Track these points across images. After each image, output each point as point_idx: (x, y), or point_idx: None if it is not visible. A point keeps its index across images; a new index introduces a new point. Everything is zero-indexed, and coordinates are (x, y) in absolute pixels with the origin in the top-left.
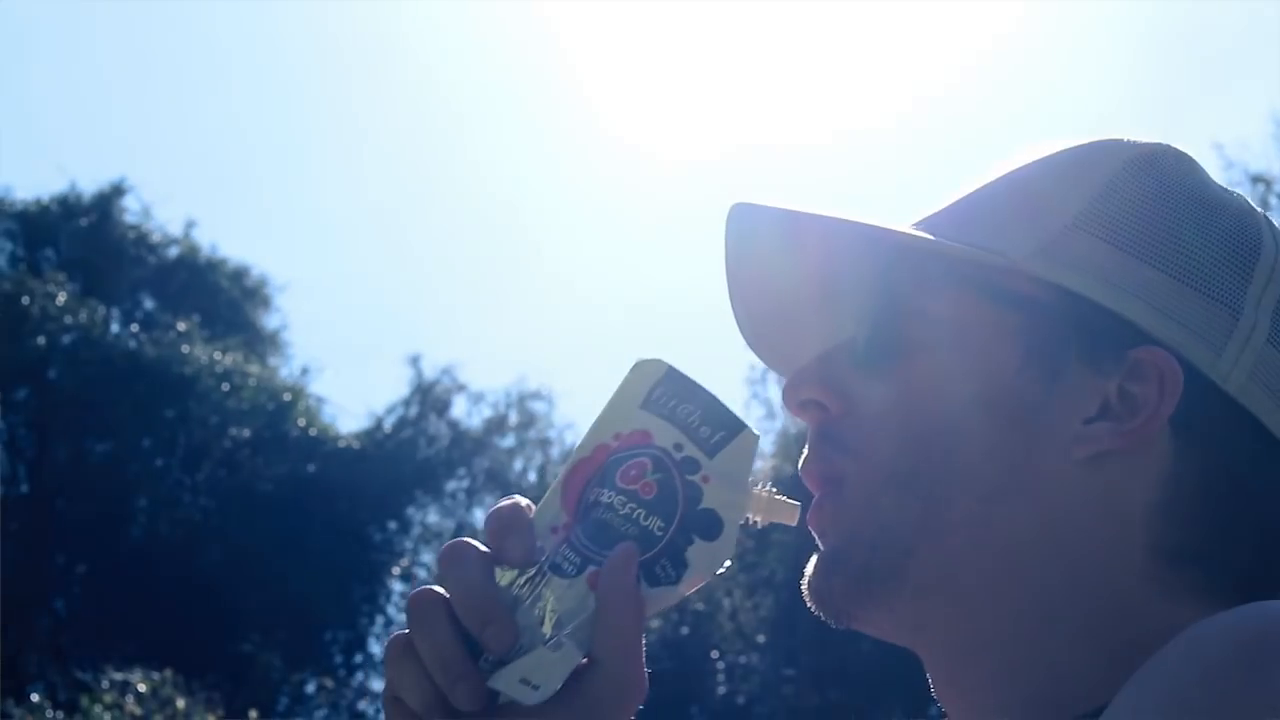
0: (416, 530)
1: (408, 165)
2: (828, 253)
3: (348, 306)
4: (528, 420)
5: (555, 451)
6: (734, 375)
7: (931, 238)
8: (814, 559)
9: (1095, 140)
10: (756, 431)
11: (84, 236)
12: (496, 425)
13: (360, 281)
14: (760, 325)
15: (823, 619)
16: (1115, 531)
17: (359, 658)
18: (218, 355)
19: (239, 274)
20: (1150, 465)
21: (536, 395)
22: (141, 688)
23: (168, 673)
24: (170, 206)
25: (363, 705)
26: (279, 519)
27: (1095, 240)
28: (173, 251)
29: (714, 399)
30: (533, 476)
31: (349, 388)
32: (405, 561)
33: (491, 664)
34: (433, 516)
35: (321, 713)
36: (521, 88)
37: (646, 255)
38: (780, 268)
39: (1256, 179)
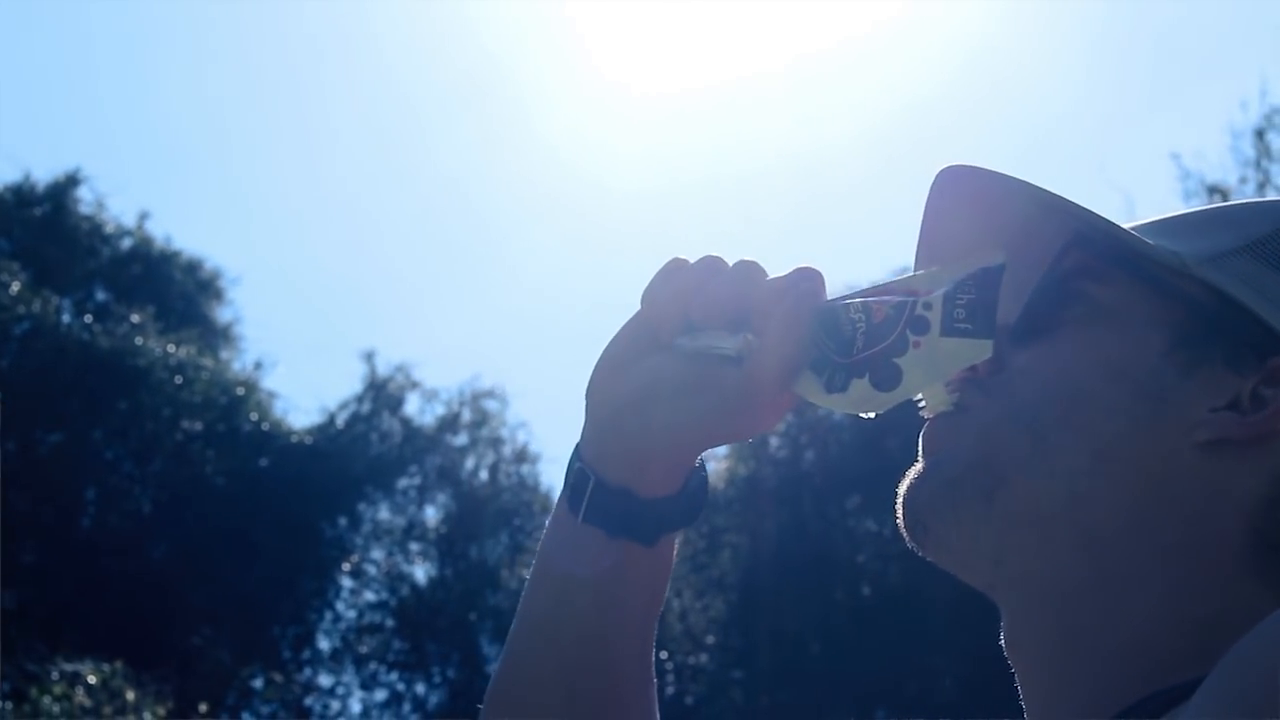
0: (367, 527)
1: (365, 161)
2: (1015, 219)
3: (302, 301)
4: (480, 418)
5: (508, 450)
6: None
7: (1117, 224)
8: (912, 470)
9: None
10: (991, 353)
11: (37, 226)
12: (449, 423)
13: (315, 276)
14: None
15: (904, 535)
16: (1218, 513)
17: (307, 653)
18: (171, 348)
19: (193, 266)
20: (1266, 461)
21: (490, 394)
22: (91, 679)
23: (118, 664)
24: (125, 198)
25: (310, 701)
26: (230, 513)
27: (1261, 264)
28: (126, 243)
29: (993, 303)
30: (484, 475)
31: (302, 383)
32: (355, 558)
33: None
34: (384, 513)
35: (269, 708)
36: (479, 84)
37: (602, 255)
38: (971, 226)
39: (1213, 189)
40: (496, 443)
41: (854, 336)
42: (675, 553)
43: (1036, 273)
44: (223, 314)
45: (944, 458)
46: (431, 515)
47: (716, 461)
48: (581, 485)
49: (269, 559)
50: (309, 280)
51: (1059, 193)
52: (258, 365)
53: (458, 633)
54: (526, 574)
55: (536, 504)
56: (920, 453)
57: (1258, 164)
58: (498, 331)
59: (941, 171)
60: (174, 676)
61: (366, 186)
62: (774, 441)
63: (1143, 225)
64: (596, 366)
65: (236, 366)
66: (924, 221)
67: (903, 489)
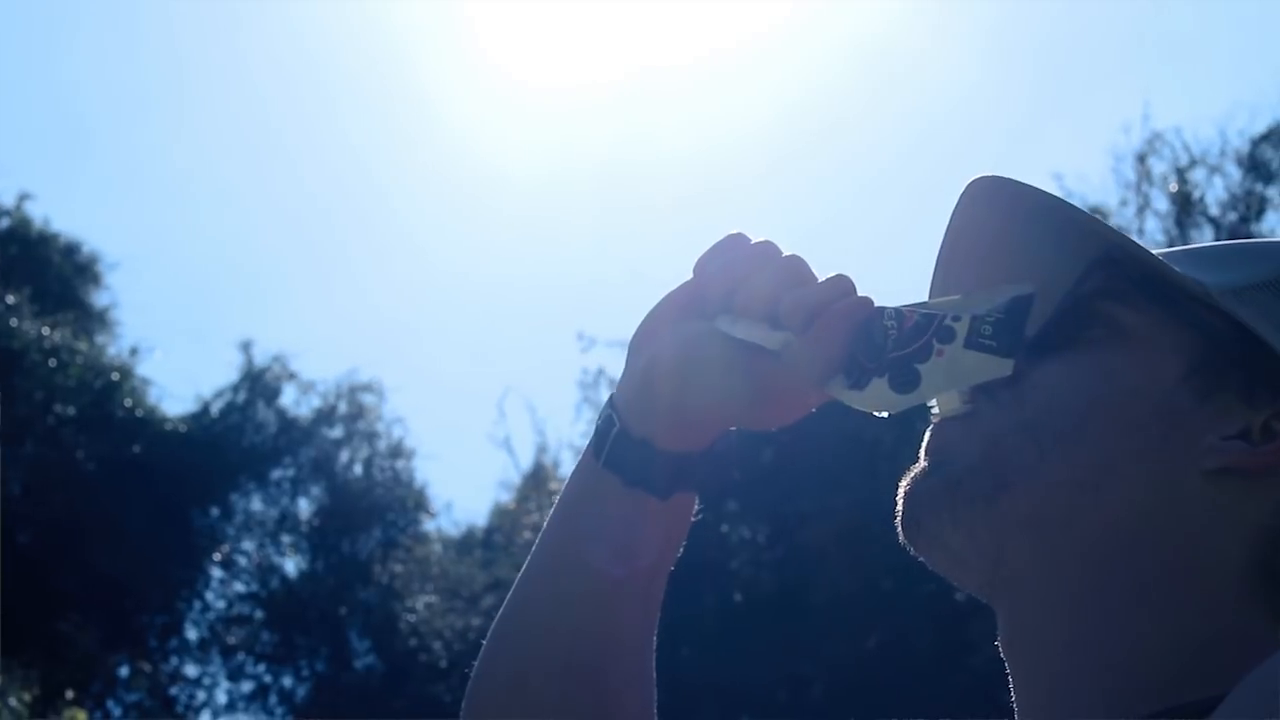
0: (239, 517)
1: (248, 149)
2: (1044, 234)
3: (180, 289)
4: (357, 412)
5: (383, 445)
6: (567, 377)
7: (1144, 248)
8: (915, 468)
9: None
10: (1011, 372)
11: None
12: (325, 416)
13: (194, 264)
14: (958, 291)
15: (898, 530)
16: (1221, 539)
17: (174, 642)
18: (46, 330)
19: (71, 249)
20: (1272, 492)
21: (367, 387)
22: None
23: None
24: (4, 178)
25: (175, 691)
26: (101, 499)
27: None
28: (4, 223)
29: (1020, 326)
30: (358, 469)
31: (178, 370)
32: (226, 548)
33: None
34: (256, 504)
35: (134, 696)
36: (367, 76)
37: (483, 253)
38: (999, 237)
39: (1094, 210)
40: (372, 437)
41: (884, 342)
42: (694, 512)
43: (1060, 288)
44: (100, 298)
45: (947, 458)
46: (304, 508)
47: None
48: (606, 430)
49: (139, 547)
50: (188, 268)
51: (1089, 211)
52: (134, 351)
53: (327, 626)
54: (399, 569)
55: (410, 499)
56: (923, 452)
57: (1138, 188)
58: (377, 325)
59: (973, 180)
60: (40, 663)
61: (249, 174)
62: None
63: (1168, 252)
64: (644, 321)
65: (112, 352)
66: (950, 228)
67: (903, 485)
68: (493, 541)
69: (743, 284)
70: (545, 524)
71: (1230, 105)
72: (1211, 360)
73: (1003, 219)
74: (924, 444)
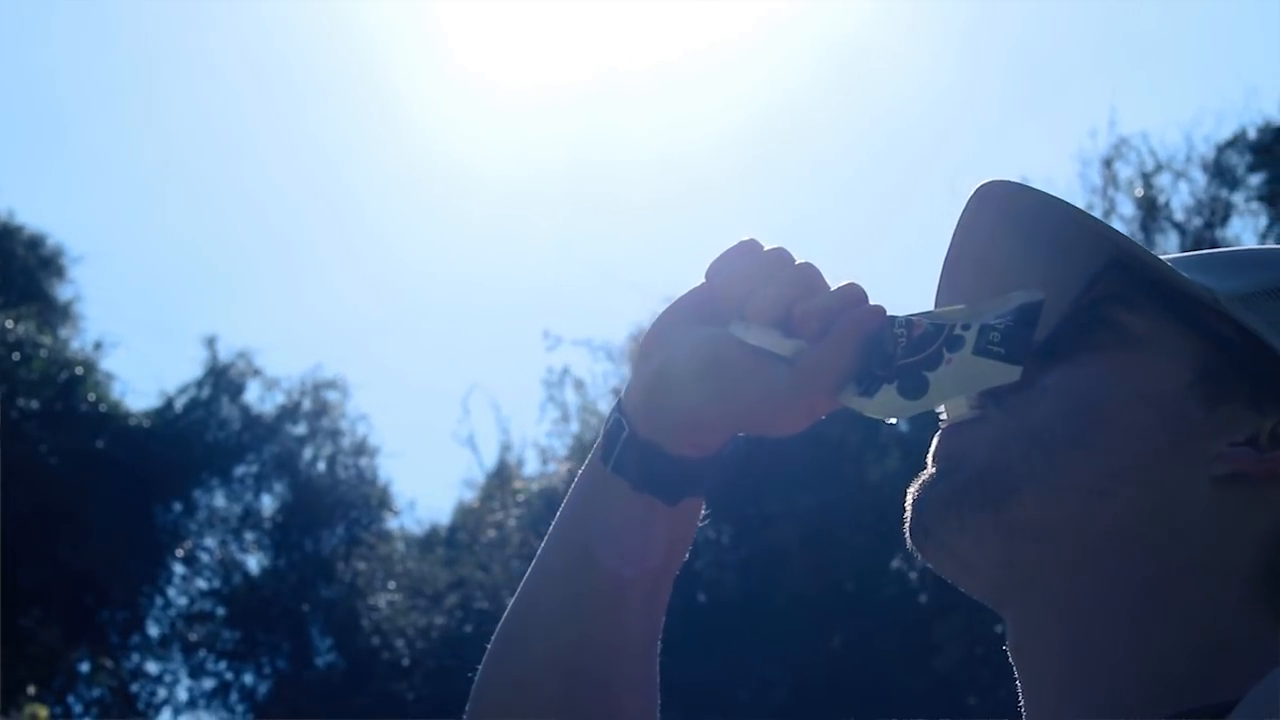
0: (202, 513)
1: (215, 144)
2: (1051, 238)
3: (146, 283)
4: (320, 408)
5: (346, 442)
6: (532, 376)
7: (1152, 254)
8: (923, 474)
9: None
10: (1018, 378)
11: None
12: (289, 412)
13: (160, 259)
14: (964, 296)
15: (907, 537)
16: (1230, 545)
17: (136, 638)
18: (9, 323)
19: (35, 242)
20: (1279, 499)
21: (331, 384)
22: None
23: None
24: None
25: (136, 687)
26: (63, 494)
27: None
28: None
29: (1029, 334)
30: (322, 466)
31: (142, 365)
32: (188, 544)
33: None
34: (219, 500)
35: (95, 692)
36: (335, 73)
37: (449, 251)
38: (1006, 241)
39: None
40: (335, 434)
41: (894, 350)
42: (700, 517)
43: (1068, 294)
44: (64, 292)
45: (954, 465)
46: (267, 504)
47: (558, 463)
48: (615, 434)
49: (101, 542)
50: (153, 262)
51: (1097, 216)
52: (97, 345)
53: (289, 624)
54: (361, 566)
55: (374, 497)
56: (931, 458)
57: (1104, 192)
58: (341, 322)
59: (981, 185)
60: (1, 658)
61: (216, 170)
62: None
63: (1177, 258)
64: (654, 325)
65: (76, 346)
66: (957, 231)
67: (911, 492)
68: (456, 540)
69: (756, 290)
70: (551, 526)
71: (1196, 111)
72: (1219, 367)
73: (1009, 223)
74: (931, 450)
